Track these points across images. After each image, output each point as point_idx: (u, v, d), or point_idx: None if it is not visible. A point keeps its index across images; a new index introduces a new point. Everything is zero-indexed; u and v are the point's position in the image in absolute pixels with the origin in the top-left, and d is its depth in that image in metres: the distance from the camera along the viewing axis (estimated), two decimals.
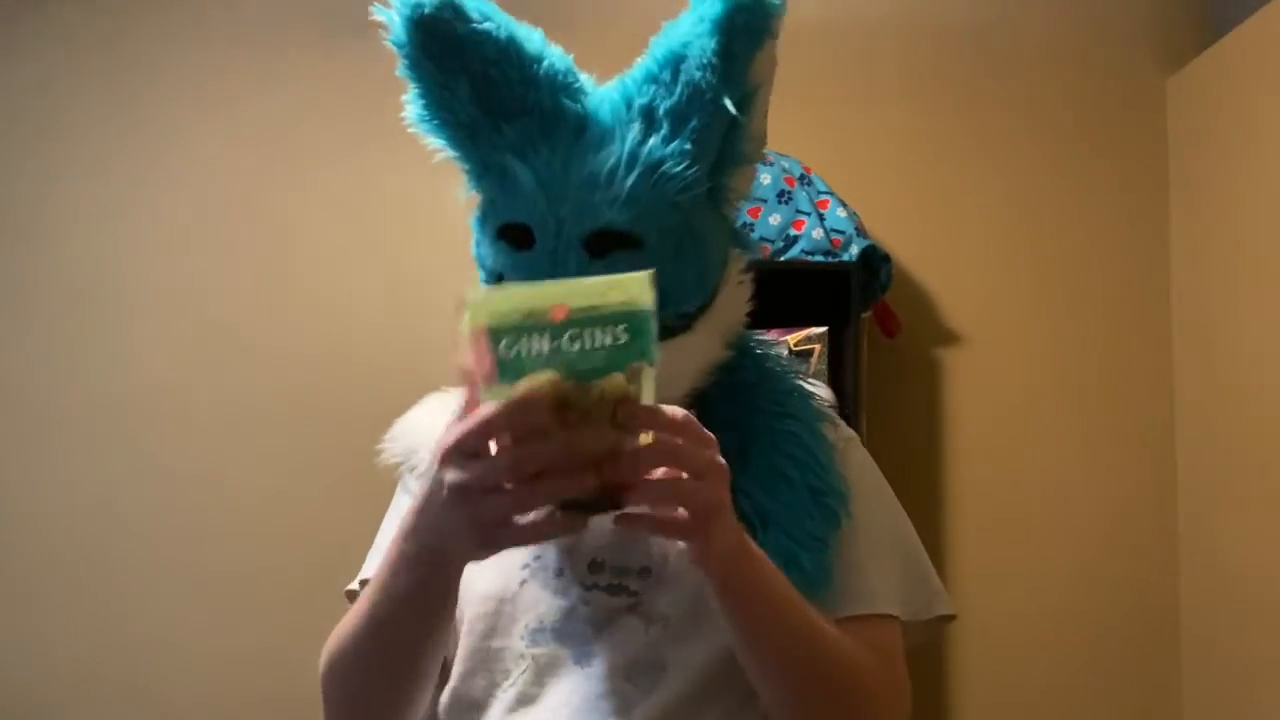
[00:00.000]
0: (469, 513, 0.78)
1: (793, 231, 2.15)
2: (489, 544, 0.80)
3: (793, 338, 2.11)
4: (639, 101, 0.96)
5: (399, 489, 1.13)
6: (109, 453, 2.35)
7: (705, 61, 0.92)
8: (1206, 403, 2.26)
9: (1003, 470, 2.37)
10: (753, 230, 2.15)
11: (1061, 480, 2.37)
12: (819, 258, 2.14)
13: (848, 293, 2.13)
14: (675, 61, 0.94)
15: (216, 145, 2.43)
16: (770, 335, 2.01)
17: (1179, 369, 2.37)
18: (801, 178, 2.20)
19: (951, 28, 2.46)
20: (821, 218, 2.16)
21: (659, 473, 0.78)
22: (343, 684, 1.01)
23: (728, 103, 0.92)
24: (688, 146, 0.94)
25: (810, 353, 2.11)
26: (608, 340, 0.74)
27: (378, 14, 0.96)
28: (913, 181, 2.43)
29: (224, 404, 2.36)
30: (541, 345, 0.74)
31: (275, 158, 2.43)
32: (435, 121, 0.98)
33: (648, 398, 0.77)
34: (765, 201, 2.17)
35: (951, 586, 1.09)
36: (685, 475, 0.79)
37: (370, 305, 2.37)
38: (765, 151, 2.41)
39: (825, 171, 2.24)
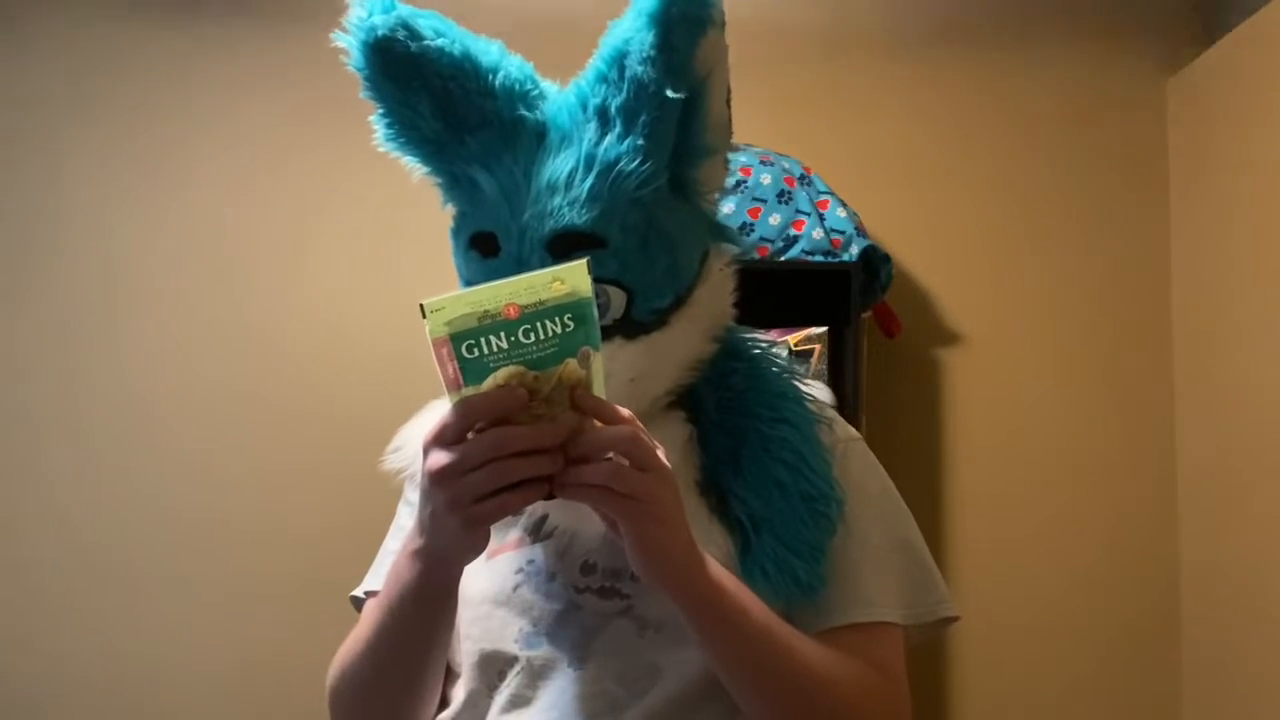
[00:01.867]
0: (449, 495, 0.81)
1: (793, 231, 2.15)
2: (471, 523, 0.82)
3: (793, 338, 2.11)
4: (593, 102, 0.97)
5: (401, 501, 1.15)
6: (112, 455, 2.36)
7: (645, 55, 0.92)
8: (1207, 401, 2.26)
9: (1003, 471, 2.37)
10: (753, 230, 2.15)
11: (1062, 480, 2.36)
12: (819, 258, 2.13)
13: (848, 293, 2.13)
14: (620, 58, 0.95)
15: (230, 152, 2.43)
16: (770, 335, 2.01)
17: (1179, 368, 2.36)
18: (801, 178, 2.20)
19: (951, 28, 2.46)
20: (821, 218, 2.16)
21: (609, 455, 0.82)
22: (351, 694, 1.03)
23: (670, 93, 0.93)
24: (640, 142, 0.94)
25: (810, 353, 2.11)
26: (557, 330, 0.79)
27: (337, 40, 0.97)
28: (913, 181, 2.42)
29: (227, 410, 2.37)
30: (501, 342, 0.78)
31: (284, 166, 2.43)
32: (402, 140, 1.01)
33: (598, 378, 0.82)
34: (765, 201, 2.17)
35: (950, 587, 1.08)
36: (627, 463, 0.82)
37: (375, 312, 2.38)
38: (765, 151, 2.39)
39: (825, 171, 2.24)
